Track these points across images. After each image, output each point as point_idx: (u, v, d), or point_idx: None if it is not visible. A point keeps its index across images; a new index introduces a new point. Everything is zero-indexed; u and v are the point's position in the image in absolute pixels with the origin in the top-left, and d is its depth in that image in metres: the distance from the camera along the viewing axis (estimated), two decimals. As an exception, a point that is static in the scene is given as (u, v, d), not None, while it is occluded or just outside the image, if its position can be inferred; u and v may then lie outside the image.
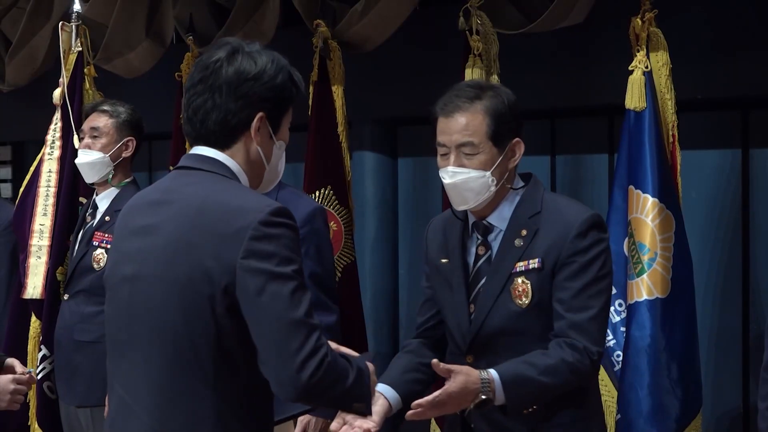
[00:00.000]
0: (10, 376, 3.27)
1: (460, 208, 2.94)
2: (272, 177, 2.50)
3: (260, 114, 2.40)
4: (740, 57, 4.09)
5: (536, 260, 2.87)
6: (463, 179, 2.87)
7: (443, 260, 3.02)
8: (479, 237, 2.97)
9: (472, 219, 2.99)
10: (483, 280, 2.93)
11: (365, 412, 2.41)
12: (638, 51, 3.76)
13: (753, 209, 4.27)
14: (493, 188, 2.88)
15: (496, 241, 2.94)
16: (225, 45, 2.43)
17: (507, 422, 2.86)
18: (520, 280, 2.87)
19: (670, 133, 3.80)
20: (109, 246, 4.24)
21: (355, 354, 2.42)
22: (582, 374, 2.83)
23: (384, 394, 2.92)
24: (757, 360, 3.43)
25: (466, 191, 2.87)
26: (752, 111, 4.28)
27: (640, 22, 3.74)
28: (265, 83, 2.40)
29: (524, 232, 2.89)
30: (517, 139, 2.91)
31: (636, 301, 3.70)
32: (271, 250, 2.25)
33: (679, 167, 3.82)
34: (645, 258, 3.70)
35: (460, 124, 2.87)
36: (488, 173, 2.86)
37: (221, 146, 2.41)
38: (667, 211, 3.72)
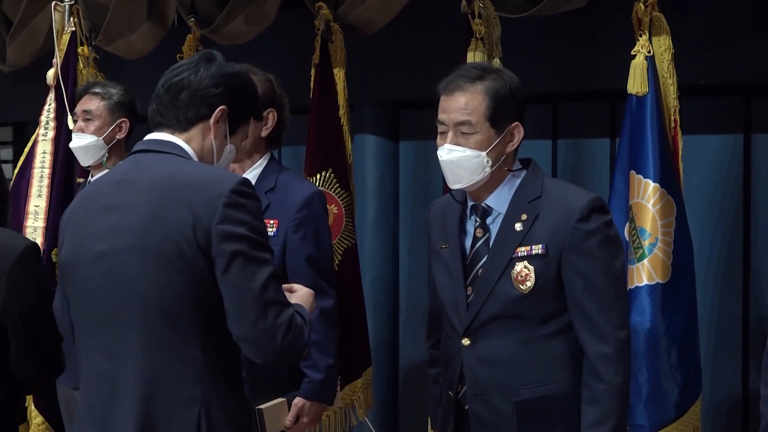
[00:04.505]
0: None
1: (454, 186, 2.94)
2: None
3: (222, 106, 2.53)
4: (743, 43, 4.09)
5: (540, 246, 2.87)
6: (458, 157, 2.88)
7: (443, 246, 3.02)
8: (477, 219, 2.96)
9: (471, 202, 2.99)
10: (481, 263, 2.93)
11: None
12: (641, 36, 3.74)
13: (754, 195, 4.26)
14: (488, 169, 2.88)
15: (494, 224, 2.94)
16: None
17: (500, 404, 2.88)
18: (521, 265, 2.87)
19: (672, 118, 3.79)
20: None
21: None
22: (613, 373, 2.85)
23: None
24: (757, 345, 3.44)
25: (461, 169, 2.89)
26: (754, 96, 4.28)
27: (642, 6, 3.73)
28: (236, 85, 2.56)
29: (524, 216, 2.89)
30: (516, 123, 2.91)
31: (636, 286, 3.70)
32: (243, 218, 2.41)
33: (680, 152, 3.81)
34: (646, 243, 3.70)
35: (459, 103, 2.88)
36: (483, 154, 2.87)
37: (180, 129, 2.53)
38: (669, 196, 3.71)
